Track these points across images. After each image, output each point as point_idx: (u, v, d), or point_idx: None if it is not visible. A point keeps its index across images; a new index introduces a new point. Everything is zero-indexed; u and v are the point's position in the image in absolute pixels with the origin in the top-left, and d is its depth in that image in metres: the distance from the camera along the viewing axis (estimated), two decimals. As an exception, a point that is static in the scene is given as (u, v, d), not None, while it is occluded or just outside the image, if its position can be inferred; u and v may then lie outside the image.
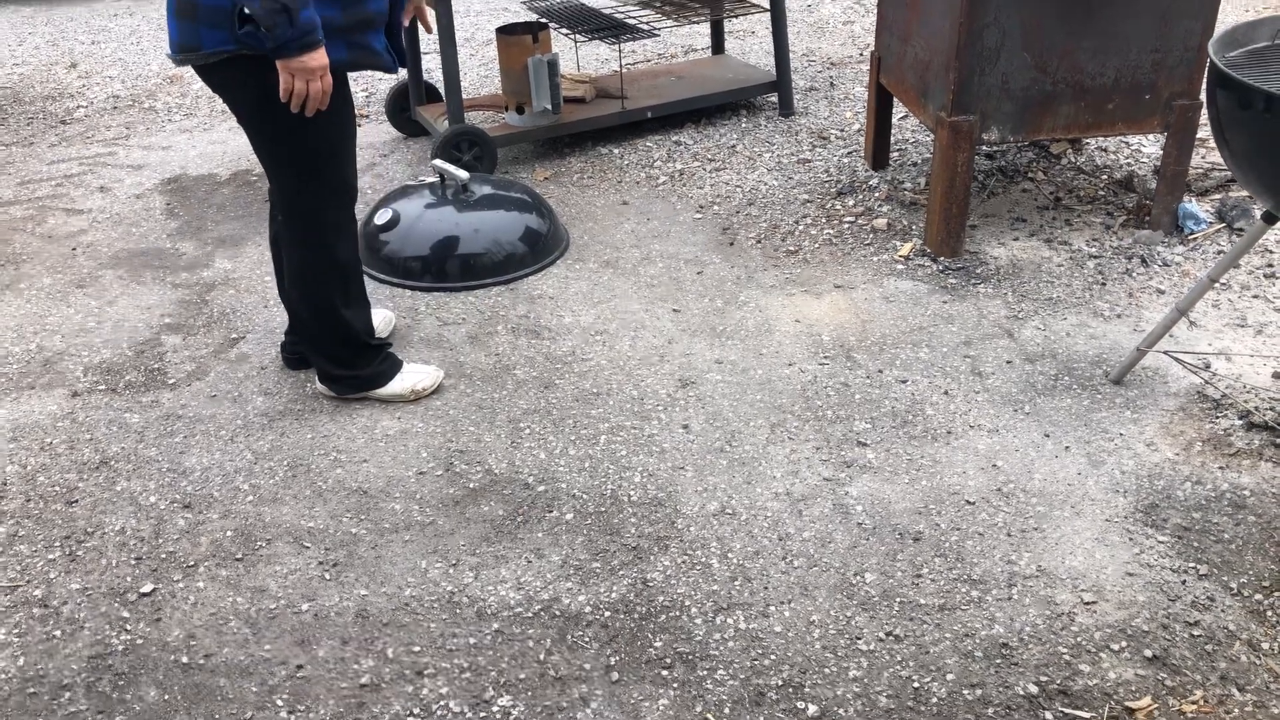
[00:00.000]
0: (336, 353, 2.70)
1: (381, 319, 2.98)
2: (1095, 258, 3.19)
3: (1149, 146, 3.82)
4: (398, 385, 2.75)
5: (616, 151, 4.13)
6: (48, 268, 3.49)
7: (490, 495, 2.42)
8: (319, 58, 2.25)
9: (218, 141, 4.46)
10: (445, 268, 3.26)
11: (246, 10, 2.19)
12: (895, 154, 3.92)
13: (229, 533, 2.34)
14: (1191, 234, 3.24)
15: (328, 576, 2.21)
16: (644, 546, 2.25)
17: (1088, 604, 2.05)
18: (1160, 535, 2.20)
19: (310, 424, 2.68)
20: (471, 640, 2.05)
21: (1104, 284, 3.07)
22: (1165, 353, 2.67)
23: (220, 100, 2.54)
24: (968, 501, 2.32)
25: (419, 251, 3.27)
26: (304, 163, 2.47)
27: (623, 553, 2.23)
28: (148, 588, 2.20)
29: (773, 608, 2.08)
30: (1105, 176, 3.65)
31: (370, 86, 4.96)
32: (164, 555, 2.29)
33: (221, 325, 3.12)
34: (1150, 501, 2.29)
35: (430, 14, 3.04)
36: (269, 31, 2.18)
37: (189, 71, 5.31)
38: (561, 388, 2.77)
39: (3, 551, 2.32)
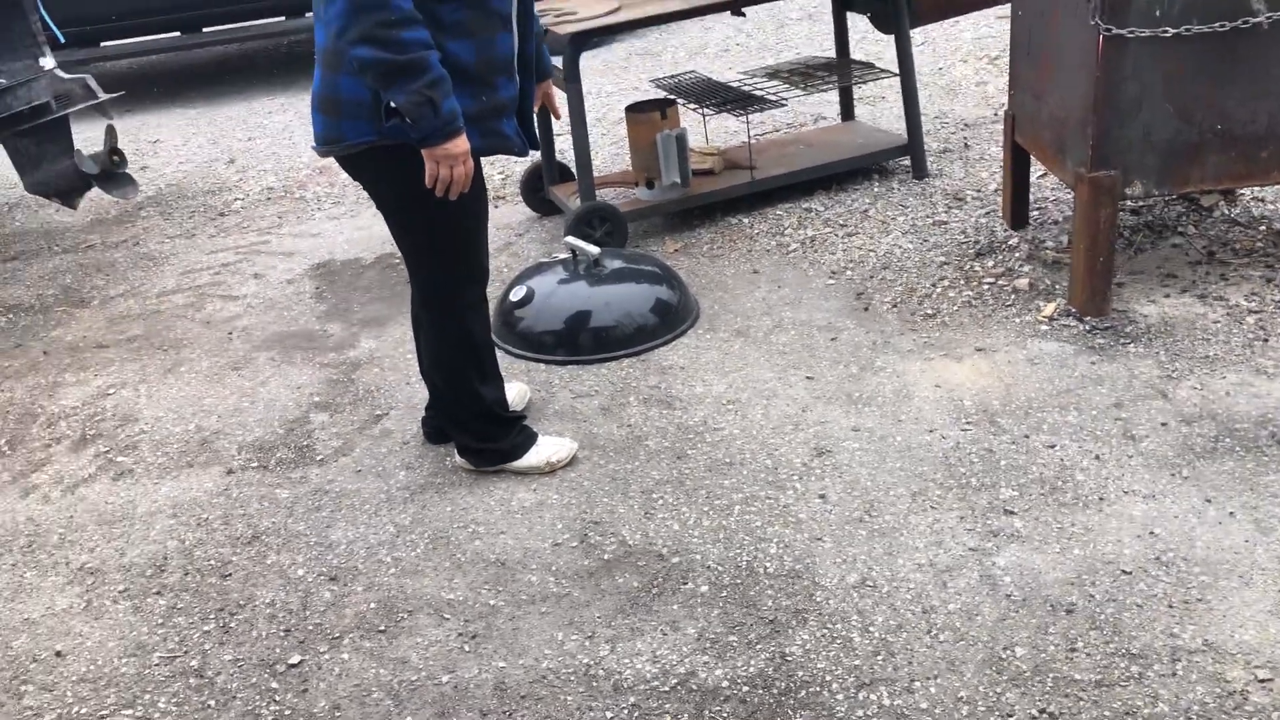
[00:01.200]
0: (474, 427, 2.76)
1: (516, 393, 3.03)
2: (1255, 313, 3.03)
3: (1309, 194, 3.64)
4: (533, 458, 2.79)
5: (746, 221, 4.14)
6: (206, 351, 3.68)
7: (625, 567, 2.41)
8: (462, 144, 2.33)
9: (363, 227, 4.66)
10: (578, 341, 3.31)
11: (392, 104, 2.27)
12: (1035, 212, 3.82)
13: (372, 605, 2.39)
14: (1361, 284, 3.04)
15: (467, 648, 2.23)
16: (781, 619, 2.20)
17: (1262, 681, 1.91)
18: (1342, 608, 2.04)
19: (450, 497, 2.73)
20: (609, 714, 2.02)
21: (1266, 340, 2.90)
22: (1338, 411, 2.50)
23: (362, 188, 2.71)
24: (1124, 571, 2.20)
25: (552, 326, 3.32)
26: (440, 247, 2.56)
27: (760, 626, 2.19)
28: (295, 659, 2.26)
29: (918, 683, 2.00)
30: (1264, 227, 3.48)
31: (506, 169, 5.12)
32: (311, 627, 2.35)
33: (366, 403, 3.23)
34: (1329, 571, 2.13)
35: (559, 99, 3.14)
36: (415, 123, 2.27)
37: (334, 162, 5.58)
38: (694, 458, 2.76)
39: (163, 623, 2.41)
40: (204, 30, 7.41)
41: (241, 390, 3.39)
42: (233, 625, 2.38)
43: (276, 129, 6.36)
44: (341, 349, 3.59)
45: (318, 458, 2.97)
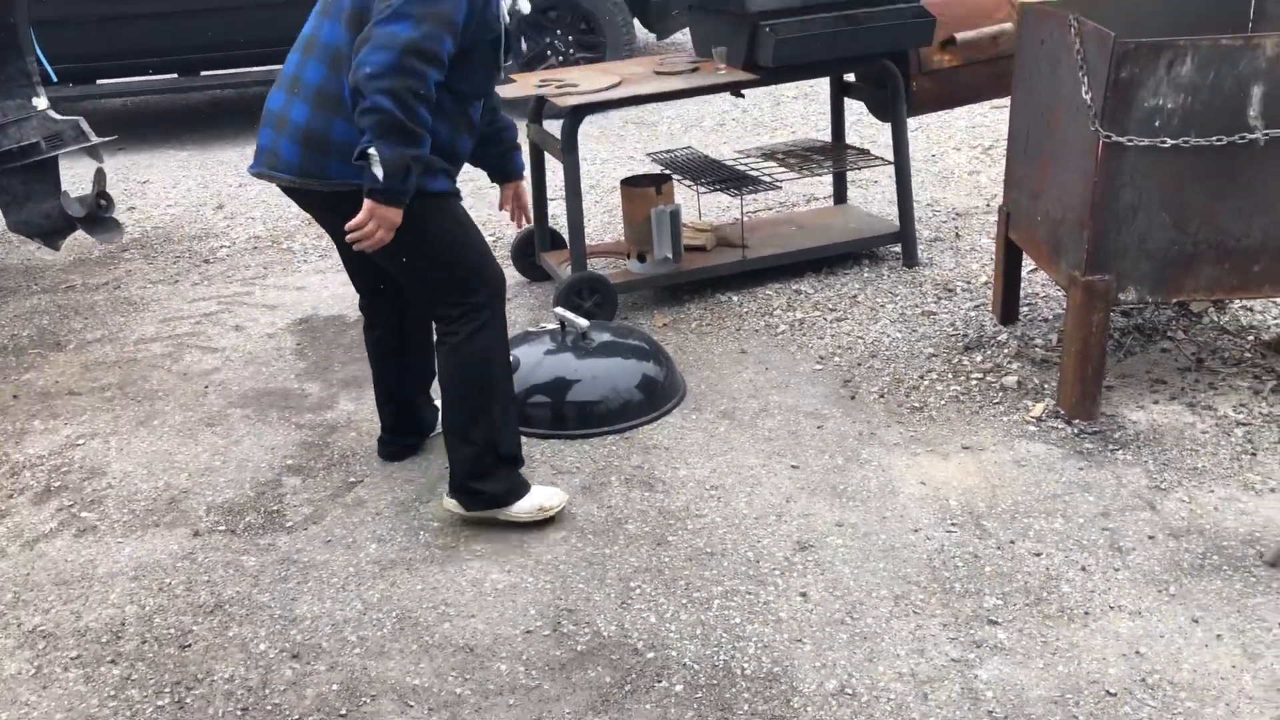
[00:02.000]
0: (479, 465, 2.74)
1: None
2: (1243, 425, 3.01)
3: (1298, 306, 3.65)
4: (525, 504, 2.79)
5: (736, 299, 4.12)
6: (180, 405, 3.61)
7: (598, 659, 2.34)
8: (398, 217, 2.48)
9: (349, 283, 4.60)
10: (563, 414, 3.26)
11: (372, 151, 2.37)
12: (1025, 308, 3.81)
13: (334, 686, 2.31)
14: (1350, 402, 3.04)
15: (430, 740, 2.15)
16: (757, 726, 2.13)
17: (1251, 821, 1.85)
18: (1331, 744, 1.99)
19: (420, 574, 2.66)
20: (573, 821, 1.94)
21: (1254, 454, 2.88)
22: (1328, 535, 2.47)
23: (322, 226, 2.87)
24: (1108, 692, 2.15)
25: (537, 398, 3.27)
26: (446, 277, 2.65)
27: (735, 731, 2.12)
28: (250, 742, 2.17)
29: (896, 804, 1.93)
30: (1252, 337, 3.48)
31: (498, 231, 5.10)
32: (269, 707, 2.26)
33: (341, 468, 3.16)
34: (1318, 704, 2.08)
35: (528, 196, 3.27)
36: (386, 176, 2.38)
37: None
38: (674, 545, 2.70)
39: (115, 695, 2.32)
40: (201, 74, 7.40)
41: (214, 448, 3.32)
42: (188, 701, 2.29)
43: (268, 177, 6.34)
44: (319, 410, 3.52)
45: (287, 524, 2.90)
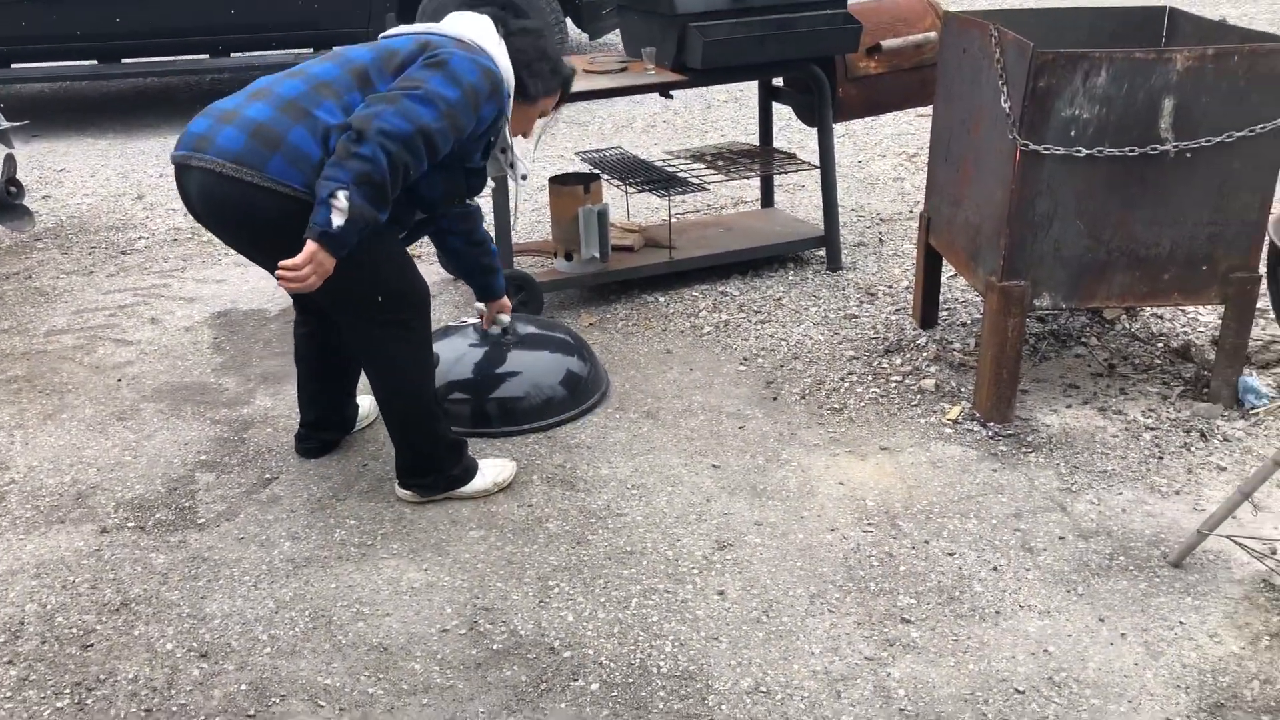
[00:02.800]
0: (428, 452, 2.81)
1: (369, 404, 3.24)
2: (1152, 429, 3.09)
3: (1206, 315, 3.75)
4: (480, 481, 2.89)
5: (663, 300, 4.13)
6: (91, 398, 3.51)
7: (514, 659, 2.32)
8: (331, 265, 2.44)
9: (269, 277, 4.52)
10: (484, 411, 3.23)
11: (342, 194, 2.36)
12: (944, 313, 3.87)
13: (243, 686, 2.26)
14: (1253, 409, 3.13)
15: (340, 740, 2.12)
16: (672, 724, 2.13)
17: (1149, 815, 1.90)
18: (1227, 739, 2.05)
19: (335, 573, 2.61)
20: (484, 821, 1.93)
21: (1161, 458, 2.96)
22: (1228, 537, 2.54)
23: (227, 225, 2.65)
24: (1017, 690, 2.19)
25: (458, 395, 3.24)
26: (370, 282, 2.62)
27: (649, 730, 2.12)
28: (153, 744, 2.12)
29: (806, 801, 1.94)
30: (1161, 344, 3.57)
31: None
32: (174, 708, 2.21)
33: (256, 464, 3.10)
34: (1215, 700, 2.14)
35: (508, 306, 3.38)
36: (342, 226, 2.37)
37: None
38: (594, 544, 2.69)
39: (12, 696, 2.25)
40: (123, 61, 7.23)
41: (125, 443, 3.23)
42: (89, 702, 2.23)
43: (189, 168, 6.20)
44: (235, 405, 3.45)
45: (199, 521, 2.83)
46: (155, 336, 3.98)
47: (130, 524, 2.83)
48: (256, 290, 4.39)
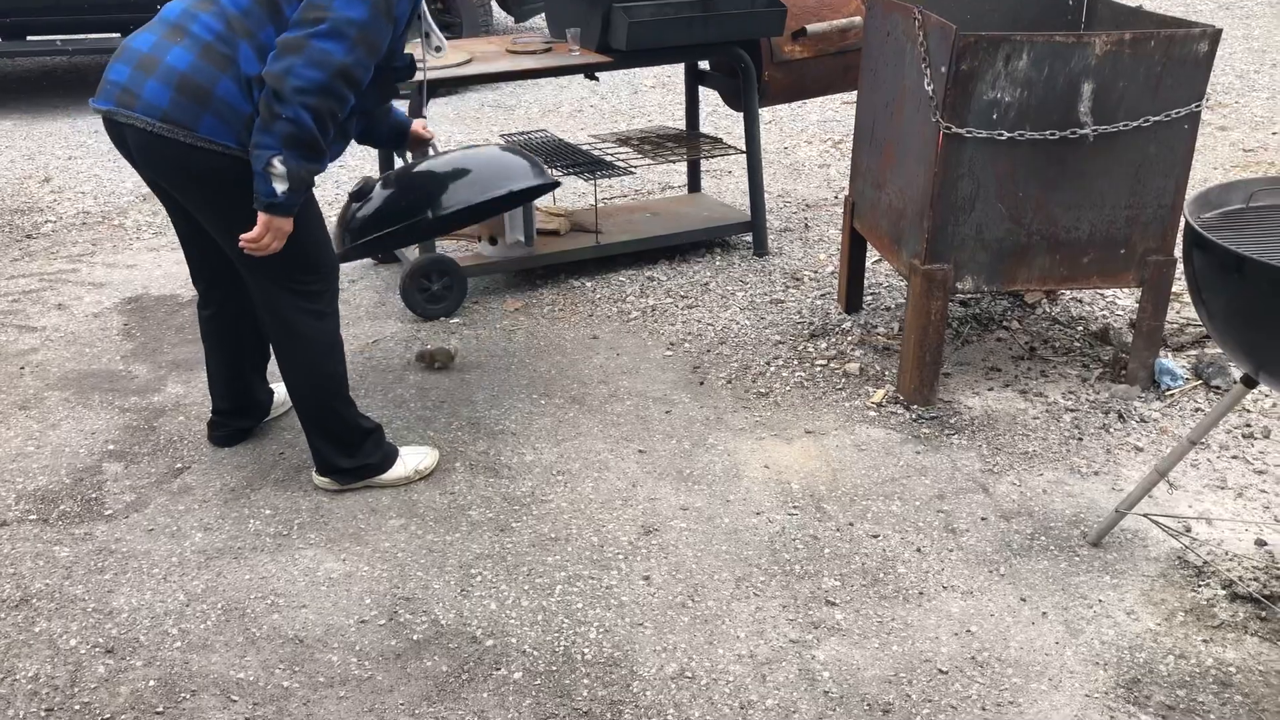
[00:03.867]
0: (344, 439, 2.75)
1: (282, 394, 3.15)
2: (1072, 411, 3.13)
3: (1124, 299, 3.81)
4: (401, 469, 2.82)
5: (589, 285, 4.08)
6: (-8, 387, 3.37)
7: (435, 649, 2.27)
8: (289, 226, 2.45)
9: (184, 261, 4.39)
10: (436, 201, 2.76)
11: (277, 161, 2.32)
12: (869, 297, 3.89)
13: (151, 682, 2.18)
14: (1169, 390, 3.18)
15: (253, 736, 2.05)
16: (596, 711, 2.10)
17: (1069, 791, 1.91)
18: (1143, 714, 2.07)
19: (250, 564, 2.54)
20: (403, 815, 1.88)
21: (1081, 439, 2.99)
22: (1145, 515, 2.58)
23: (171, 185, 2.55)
24: (940, 670, 2.19)
25: (395, 202, 2.76)
26: (292, 253, 2.53)
27: (573, 718, 2.08)
28: (55, 744, 2.03)
29: (731, 786, 1.93)
30: (1081, 328, 3.62)
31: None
32: (78, 706, 2.12)
33: (167, 454, 2.99)
34: (1132, 676, 2.17)
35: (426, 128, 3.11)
36: (288, 190, 2.36)
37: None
38: (518, 531, 2.65)
39: (-98, 697, 2.14)
40: (28, 38, 6.96)
41: (28, 432, 3.11)
42: (-14, 702, 2.13)
43: (101, 149, 6.00)
44: (145, 393, 3.34)
45: (106, 512, 2.73)
46: (62, 323, 3.83)
47: (32, 516, 2.72)
48: (169, 275, 4.25)
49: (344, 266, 4.31)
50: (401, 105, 3.49)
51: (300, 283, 2.61)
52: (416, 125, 3.05)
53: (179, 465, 2.94)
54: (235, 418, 3.02)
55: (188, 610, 2.38)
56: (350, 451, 2.76)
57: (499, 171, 2.88)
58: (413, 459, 2.85)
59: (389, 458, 2.82)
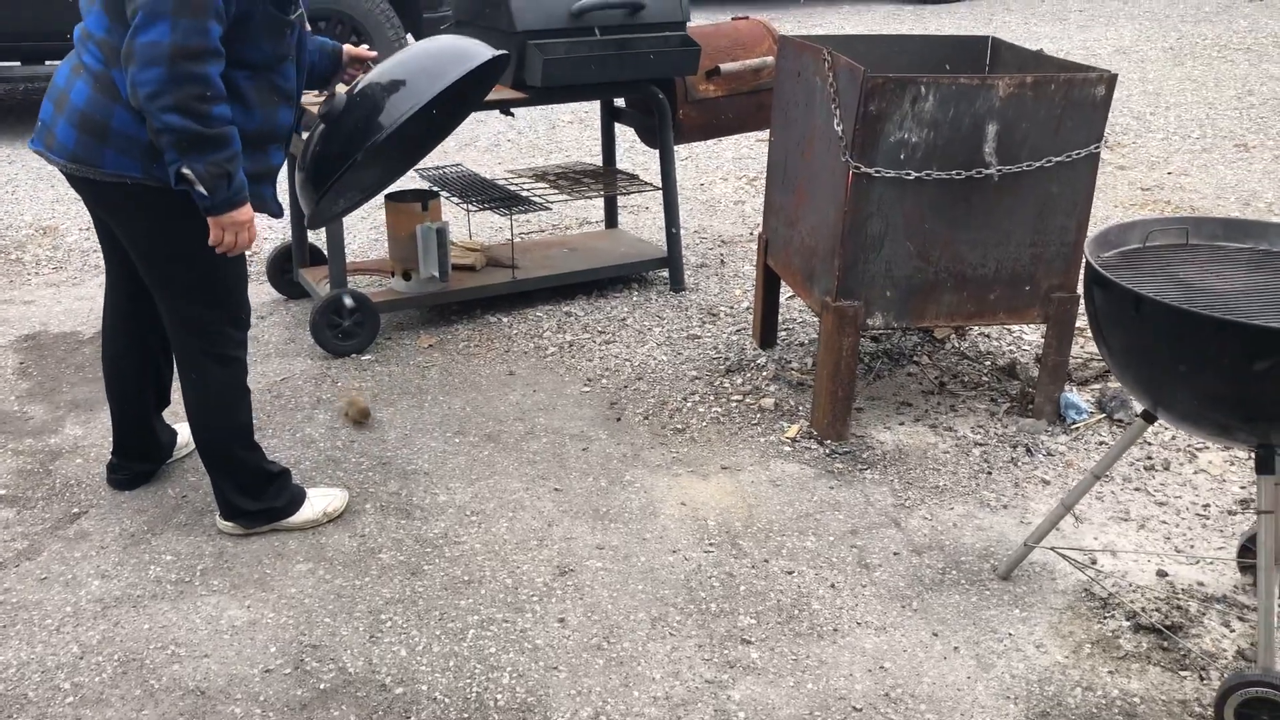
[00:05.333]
0: (249, 483, 2.69)
1: (186, 435, 3.05)
2: (980, 445, 3.18)
3: (1030, 334, 3.90)
4: (308, 511, 2.77)
5: (506, 320, 4.05)
6: (-124, 429, 3.22)
7: (342, 698, 2.21)
8: (247, 211, 2.38)
9: (85, 298, 4.27)
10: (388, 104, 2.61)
11: (186, 170, 2.25)
12: (783, 333, 3.92)
13: (41, 740, 2.08)
14: (1074, 423, 3.26)
15: (149, 795, 1.97)
16: (508, 759, 2.06)
17: (981, 827, 1.92)
18: (1053, 747, 2.10)
19: (149, 612, 2.45)
20: None
21: (989, 473, 3.04)
22: (1052, 549, 2.62)
23: (95, 231, 2.65)
24: (855, 708, 2.20)
25: (358, 114, 2.64)
26: (207, 287, 2.52)
27: (484, 766, 2.04)
28: (-66, 810, 1.92)
29: (646, 832, 1.90)
30: (989, 363, 3.69)
31: (254, 246, 4.84)
32: (-40, 768, 2.02)
33: (63, 498, 2.88)
34: (1041, 709, 2.19)
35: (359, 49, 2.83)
36: (209, 193, 2.29)
37: (65, 223, 5.13)
38: (430, 574, 2.60)
39: None
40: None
41: (-87, 477, 2.97)
42: None
43: (-2, 181, 5.82)
44: (41, 434, 3.22)
45: (-4, 561, 2.62)
46: (-47, 361, 3.69)
47: (-84, 566, 2.59)
48: (70, 311, 4.12)
49: (255, 301, 4.22)
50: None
51: (211, 324, 2.56)
52: (349, 48, 2.81)
53: (75, 510, 2.83)
54: (136, 460, 2.92)
55: (82, 663, 2.29)
56: (256, 495, 2.69)
57: (444, 60, 2.69)
58: (320, 501, 2.79)
59: (296, 500, 2.75)
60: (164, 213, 2.40)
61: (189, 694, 2.21)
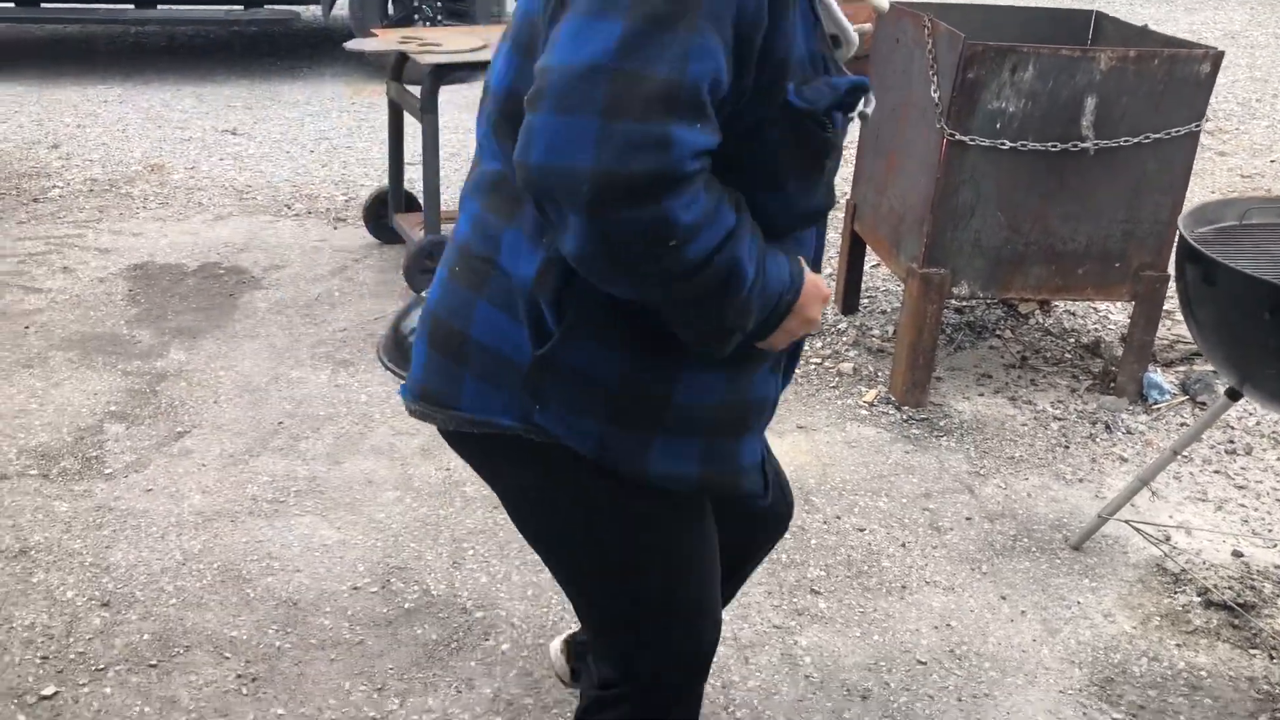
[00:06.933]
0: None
1: None
2: (1059, 420, 3.18)
3: (1116, 314, 3.86)
4: None
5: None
6: (-3, 344, 3.41)
7: (425, 617, 2.31)
8: (816, 291, 1.33)
9: (190, 232, 4.43)
10: None
11: (693, 340, 1.27)
12: (865, 300, 3.94)
13: (146, 636, 2.22)
14: (1156, 404, 3.24)
15: (245, 691, 2.09)
16: (581, 684, 2.14)
17: (1038, 781, 1.96)
18: (1115, 712, 2.13)
19: (246, 527, 2.58)
20: (389, 773, 1.92)
21: (1067, 447, 3.05)
22: (1127, 522, 2.63)
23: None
24: (919, 661, 2.24)
25: None
26: (626, 599, 1.48)
27: (558, 689, 2.13)
28: (50, 690, 2.07)
29: (710, 761, 1.97)
30: (1072, 340, 3.67)
31: (352, 191, 4.98)
32: (73, 656, 2.16)
33: (168, 417, 3.03)
34: (1106, 675, 2.22)
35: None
36: (721, 350, 1.29)
37: (172, 161, 5.32)
38: (511, 509, 2.69)
39: (-100, 639, 2.18)
40: (42, 5, 6.99)
41: (31, 390, 3.14)
42: (-17, 647, 2.17)
43: (110, 119, 6.03)
44: (148, 357, 3.38)
45: (106, 471, 2.77)
46: (67, 286, 3.87)
47: (33, 471, 2.76)
48: (175, 245, 4.29)
49: (350, 244, 4.35)
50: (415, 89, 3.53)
51: (626, 650, 1.52)
52: None
53: (180, 429, 2.98)
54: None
55: (184, 569, 2.43)
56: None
57: None
58: None
59: None
60: (553, 481, 1.40)
61: (282, 604, 2.33)
